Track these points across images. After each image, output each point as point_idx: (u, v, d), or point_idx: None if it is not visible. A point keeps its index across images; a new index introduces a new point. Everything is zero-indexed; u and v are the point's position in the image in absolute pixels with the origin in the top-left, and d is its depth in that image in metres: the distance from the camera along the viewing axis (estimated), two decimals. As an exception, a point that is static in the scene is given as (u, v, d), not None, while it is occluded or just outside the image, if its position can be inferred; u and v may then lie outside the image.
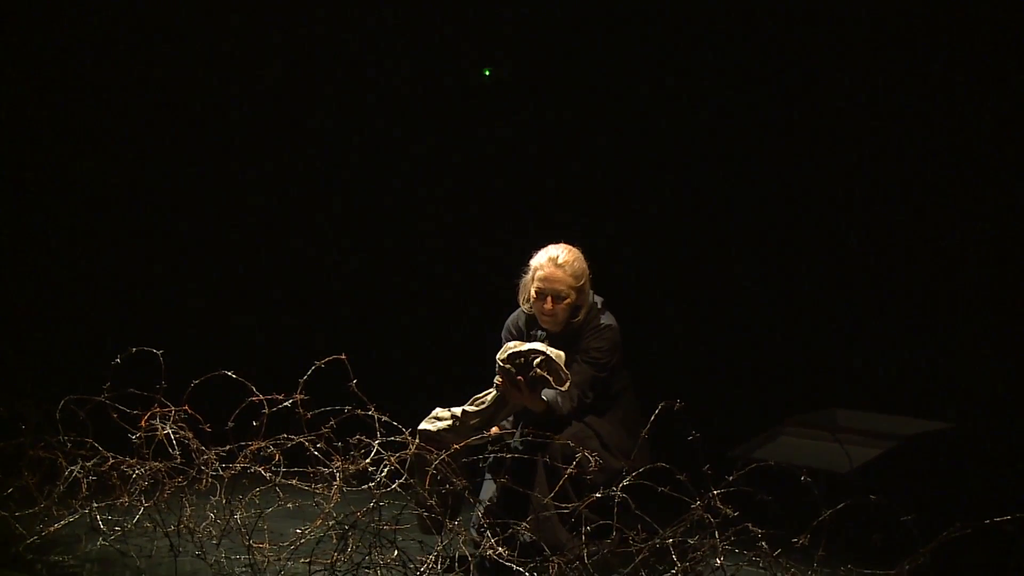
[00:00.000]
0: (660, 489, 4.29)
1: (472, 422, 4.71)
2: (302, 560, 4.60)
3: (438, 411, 4.77)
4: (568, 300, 4.86)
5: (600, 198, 8.36)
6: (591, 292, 4.97)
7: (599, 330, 4.91)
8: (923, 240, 7.21)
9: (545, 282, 4.86)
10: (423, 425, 4.70)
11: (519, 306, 5.06)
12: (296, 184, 8.64)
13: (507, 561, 4.39)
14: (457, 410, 4.75)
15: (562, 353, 4.73)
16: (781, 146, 7.70)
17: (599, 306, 4.98)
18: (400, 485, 4.54)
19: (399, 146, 8.72)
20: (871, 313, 7.42)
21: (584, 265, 4.92)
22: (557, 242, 4.98)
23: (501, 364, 4.66)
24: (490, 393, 4.74)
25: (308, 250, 8.71)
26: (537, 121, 8.46)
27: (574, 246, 4.97)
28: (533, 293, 4.90)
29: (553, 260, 4.88)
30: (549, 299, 4.85)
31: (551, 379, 4.59)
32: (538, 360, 4.59)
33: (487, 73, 8.50)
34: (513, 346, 4.70)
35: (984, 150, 6.96)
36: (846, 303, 7.49)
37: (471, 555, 4.53)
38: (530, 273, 4.93)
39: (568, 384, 4.62)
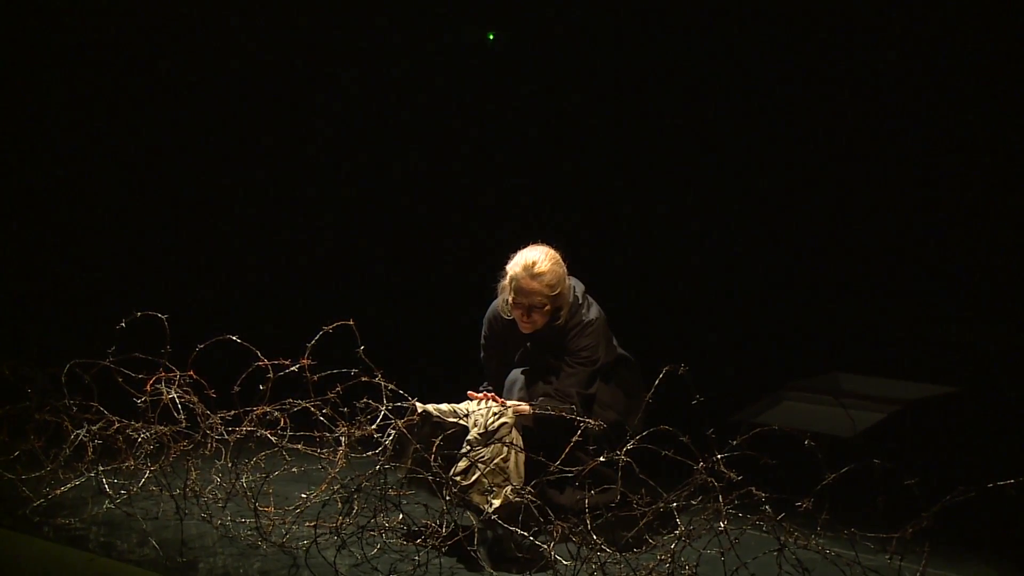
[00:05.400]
0: (664, 453, 4.30)
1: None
2: (307, 524, 4.63)
3: (437, 407, 4.72)
4: (546, 308, 4.83)
5: (605, 160, 8.35)
6: (571, 286, 4.91)
7: (582, 328, 4.88)
8: (926, 205, 7.19)
9: (521, 294, 4.80)
10: (428, 407, 4.67)
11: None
12: (303, 151, 8.63)
13: (510, 527, 4.41)
14: (453, 407, 4.71)
15: (490, 411, 4.62)
16: (780, 111, 7.68)
17: (580, 299, 4.92)
18: (400, 450, 4.56)
19: (407, 116, 8.71)
20: (874, 278, 7.42)
21: (560, 269, 4.84)
22: (535, 241, 4.90)
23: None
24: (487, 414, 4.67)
25: (315, 214, 8.71)
26: (539, 92, 8.45)
27: (551, 245, 4.89)
28: (511, 301, 4.86)
29: (528, 270, 4.79)
30: (527, 310, 4.83)
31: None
32: (492, 511, 4.42)
33: (491, 37, 8.46)
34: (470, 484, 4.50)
35: (978, 116, 6.95)
36: (849, 268, 7.49)
37: (475, 520, 4.54)
38: (507, 279, 4.87)
39: (513, 482, 4.46)
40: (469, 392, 4.86)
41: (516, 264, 4.84)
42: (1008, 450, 5.96)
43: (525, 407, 4.70)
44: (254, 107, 8.37)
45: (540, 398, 4.77)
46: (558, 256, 4.88)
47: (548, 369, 4.90)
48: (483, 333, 5.09)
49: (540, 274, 4.79)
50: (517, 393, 4.85)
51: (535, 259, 4.81)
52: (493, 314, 5.03)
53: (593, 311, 4.93)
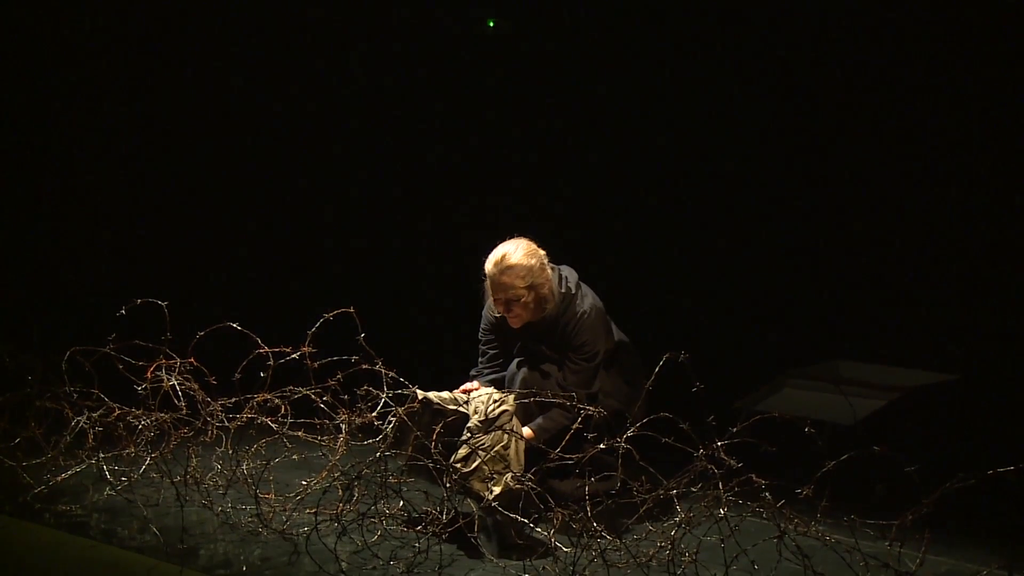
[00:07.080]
0: (664, 440, 4.30)
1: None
2: (308, 511, 4.63)
3: (438, 394, 4.73)
4: (523, 300, 4.83)
5: (606, 148, 8.33)
6: (564, 276, 4.91)
7: (578, 321, 4.86)
8: (925, 190, 7.18)
9: (497, 289, 4.82)
10: (429, 394, 4.68)
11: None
12: (303, 140, 8.60)
13: (510, 513, 4.41)
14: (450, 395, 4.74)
15: (493, 402, 4.62)
16: (776, 101, 7.67)
17: (572, 289, 4.90)
18: (400, 437, 4.56)
19: (407, 106, 8.68)
20: (874, 263, 7.41)
21: (531, 261, 4.81)
22: (511, 235, 4.90)
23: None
24: (489, 402, 4.68)
25: (316, 200, 8.69)
26: (537, 84, 8.43)
27: (525, 236, 4.89)
28: (492, 298, 4.89)
29: (498, 265, 4.80)
30: (506, 305, 4.84)
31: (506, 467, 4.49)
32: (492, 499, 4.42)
33: (491, 24, 8.43)
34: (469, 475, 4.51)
35: (977, 106, 6.94)
36: (849, 253, 7.47)
37: (475, 507, 4.55)
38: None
39: (511, 473, 4.46)
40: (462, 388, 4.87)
41: (489, 261, 4.85)
42: (1008, 437, 5.95)
43: (529, 432, 4.72)
44: (254, 99, 8.35)
45: (539, 424, 4.78)
46: (532, 247, 4.87)
47: (545, 359, 4.91)
48: (481, 327, 5.10)
49: (509, 267, 4.79)
50: (518, 386, 4.86)
51: (504, 252, 4.82)
52: (488, 309, 5.05)
53: (588, 302, 4.91)
